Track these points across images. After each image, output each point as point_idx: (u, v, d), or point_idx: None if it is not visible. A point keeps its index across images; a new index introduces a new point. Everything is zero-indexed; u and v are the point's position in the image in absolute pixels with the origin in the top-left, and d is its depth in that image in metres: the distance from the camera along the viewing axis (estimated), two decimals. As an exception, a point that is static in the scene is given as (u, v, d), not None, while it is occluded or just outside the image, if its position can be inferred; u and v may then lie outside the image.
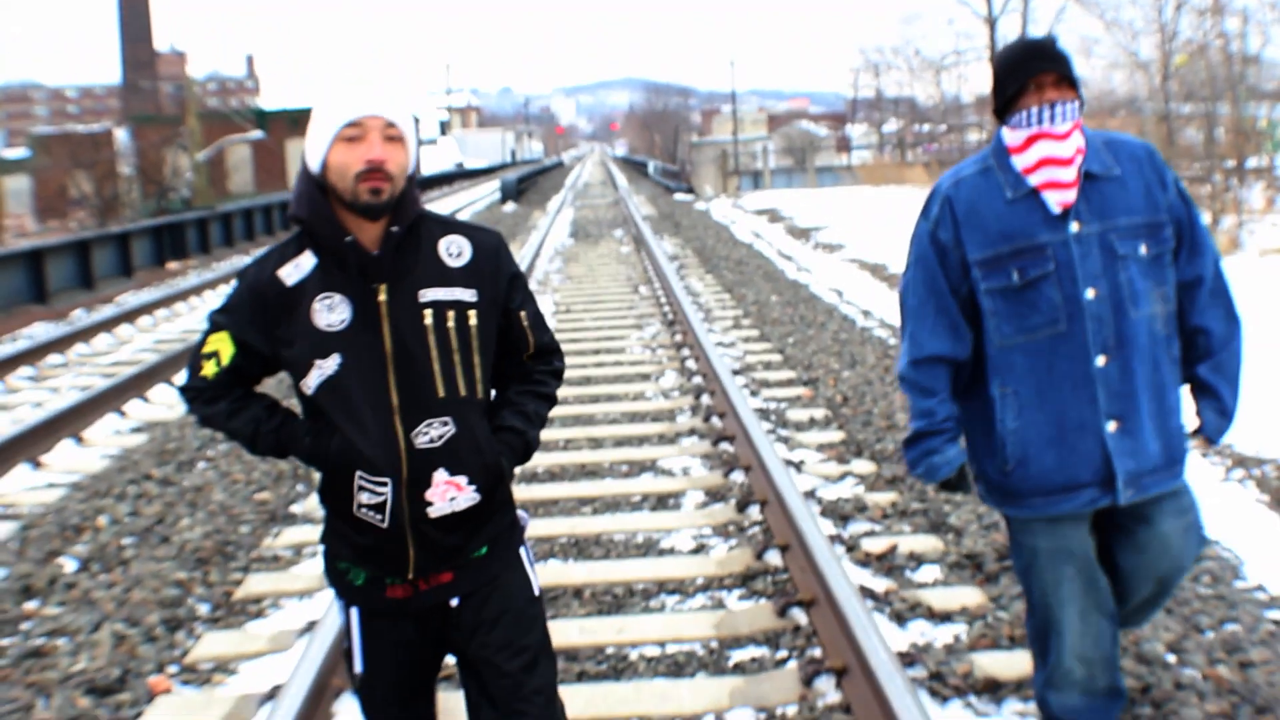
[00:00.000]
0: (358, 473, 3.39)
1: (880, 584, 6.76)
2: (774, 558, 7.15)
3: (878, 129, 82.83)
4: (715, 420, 10.42)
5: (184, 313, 20.20)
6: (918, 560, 7.11)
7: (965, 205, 4.20)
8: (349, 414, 3.37)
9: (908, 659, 5.72)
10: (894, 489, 8.45)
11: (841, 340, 14.09)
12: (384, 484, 3.38)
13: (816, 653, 5.90)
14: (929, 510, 7.88)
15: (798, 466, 8.98)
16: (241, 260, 28.82)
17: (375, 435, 3.36)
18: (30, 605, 7.09)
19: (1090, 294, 4.09)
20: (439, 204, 53.02)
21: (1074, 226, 4.11)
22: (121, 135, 65.79)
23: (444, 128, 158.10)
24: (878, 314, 16.21)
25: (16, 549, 8.05)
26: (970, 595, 6.50)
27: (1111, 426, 4.13)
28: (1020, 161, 4.16)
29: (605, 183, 71.08)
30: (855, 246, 25.31)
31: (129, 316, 18.99)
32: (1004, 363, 4.20)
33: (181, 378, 3.61)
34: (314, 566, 7.52)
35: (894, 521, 7.82)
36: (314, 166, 3.38)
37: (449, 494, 3.41)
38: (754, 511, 8.01)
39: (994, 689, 5.48)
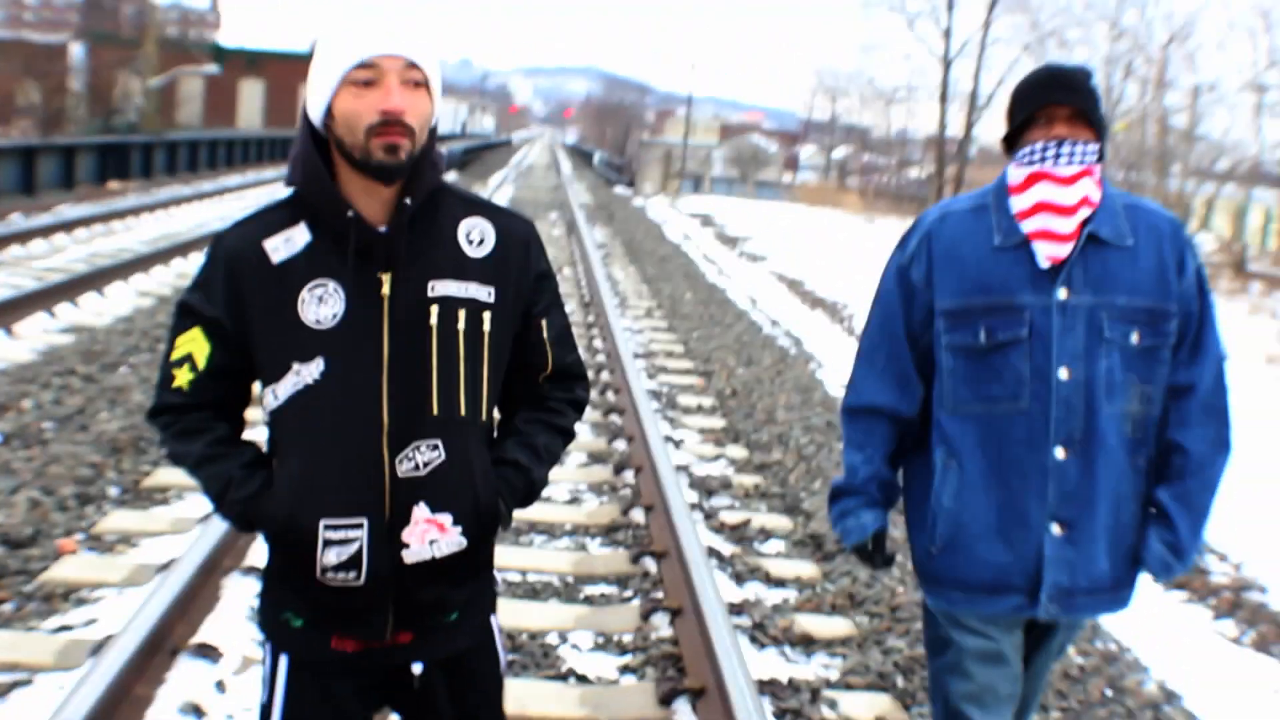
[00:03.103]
0: (323, 521, 2.76)
1: (728, 549, 7.50)
2: (638, 515, 7.87)
3: (827, 153, 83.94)
4: (610, 395, 11.12)
5: (120, 231, 20.64)
6: (767, 535, 7.87)
7: (945, 245, 3.63)
8: (322, 435, 2.77)
9: (736, 609, 6.46)
10: (760, 474, 9.20)
11: (744, 341, 14.86)
12: (358, 527, 2.76)
13: (659, 595, 6.62)
14: (786, 495, 8.65)
15: (677, 444, 9.72)
16: (182, 190, 29.24)
17: (354, 463, 2.77)
18: (-47, 466, 7.70)
19: (1063, 374, 3.51)
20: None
21: (1061, 293, 3.51)
22: (77, 51, 65.55)
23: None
24: (785, 324, 16.99)
25: (-57, 417, 8.65)
26: (806, 568, 7.25)
27: (1055, 530, 3.55)
28: (1017, 203, 3.58)
29: (550, 167, 71.58)
30: (778, 260, 26.09)
31: (66, 227, 19.45)
32: (954, 431, 3.63)
33: (150, 400, 3.00)
34: (219, 468, 8.16)
35: (753, 501, 8.58)
36: (315, 118, 2.80)
37: (429, 535, 2.80)
38: (628, 476, 8.72)
39: (808, 643, 6.23)
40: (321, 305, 2.77)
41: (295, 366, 2.76)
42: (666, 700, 5.42)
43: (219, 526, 6.41)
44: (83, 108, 56.96)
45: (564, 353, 3.05)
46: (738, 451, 9.79)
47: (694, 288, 19.68)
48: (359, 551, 2.77)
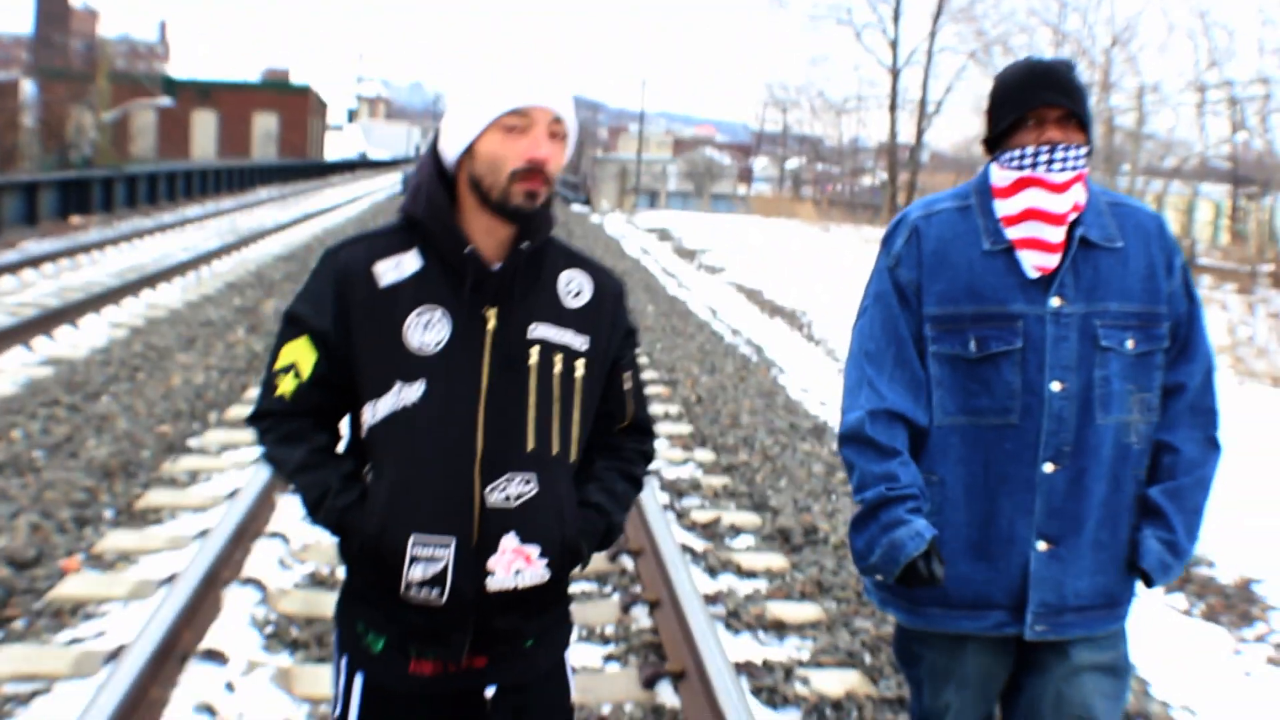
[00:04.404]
0: (413, 536, 2.85)
1: (700, 545, 7.88)
2: (613, 517, 8.22)
3: (780, 164, 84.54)
4: (580, 405, 11.50)
5: (86, 265, 20.87)
6: (737, 530, 8.25)
7: (935, 245, 3.44)
8: (416, 454, 2.86)
9: (711, 599, 6.83)
10: (728, 475, 9.59)
11: (706, 351, 15.26)
12: (445, 546, 2.85)
13: (637, 590, 6.97)
14: (754, 494, 9.04)
15: (647, 450, 10.09)
16: (143, 222, 29.45)
17: (445, 485, 2.86)
18: (-47, 495, 8.01)
19: (1056, 387, 3.34)
20: (339, 190, 53.65)
21: (1055, 302, 3.35)
22: (28, 87, 65.55)
23: (352, 115, 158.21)
24: (745, 333, 17.39)
25: (-63, 450, 8.94)
26: (775, 560, 7.63)
27: (1041, 546, 3.38)
28: (1003, 208, 3.41)
29: (506, 187, 72.10)
30: (736, 271, 26.53)
31: (33, 263, 19.65)
32: (937, 444, 3.44)
33: (252, 404, 3.05)
34: (209, 489, 8.48)
35: (722, 500, 8.97)
36: (450, 155, 2.93)
37: (515, 565, 2.88)
38: (602, 481, 9.07)
39: (780, 628, 6.59)
40: (427, 331, 2.87)
41: (397, 386, 2.86)
42: (649, 683, 5.77)
43: (216, 542, 6.74)
44: (36, 144, 56.95)
45: (639, 407, 3.16)
46: (705, 455, 10.16)
47: (655, 300, 20.07)
48: (444, 570, 2.84)
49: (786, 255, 30.84)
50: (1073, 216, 3.37)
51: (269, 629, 6.19)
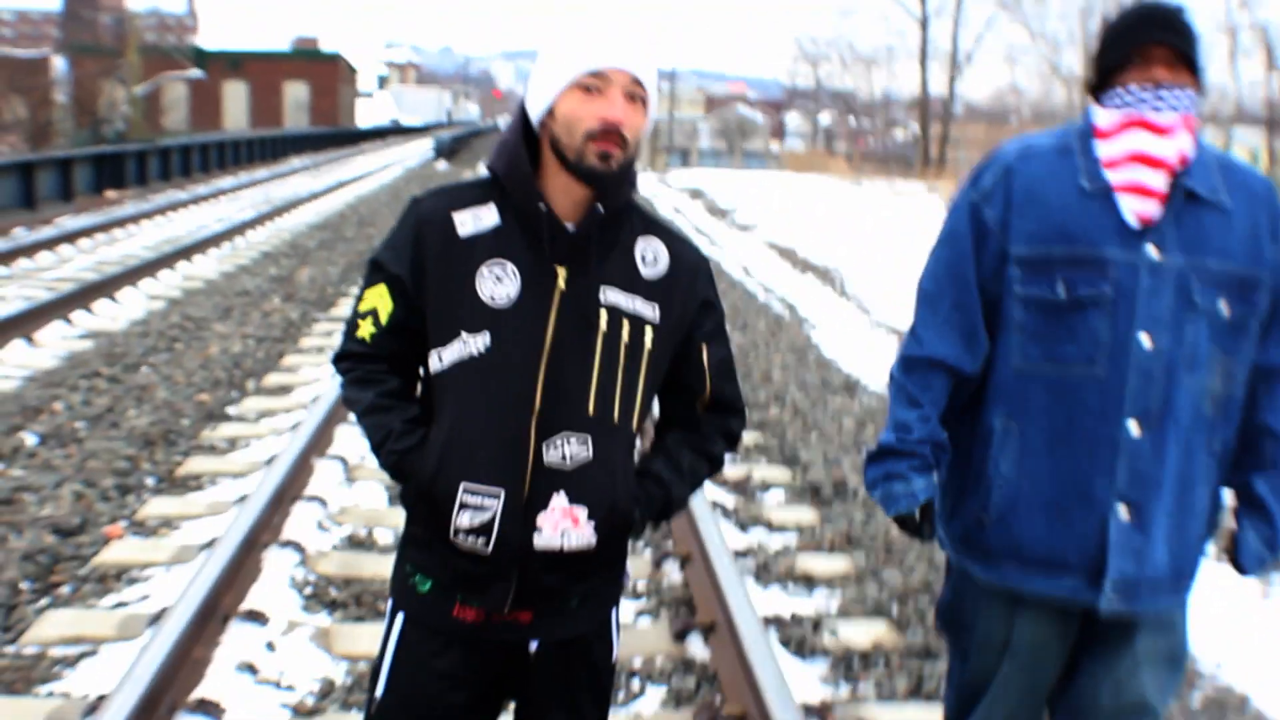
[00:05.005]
0: (463, 484, 2.89)
1: (731, 501, 7.99)
2: (645, 475, 8.34)
3: (813, 119, 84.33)
4: (612, 366, 11.61)
5: (122, 238, 21.03)
6: (767, 486, 8.37)
7: (1027, 184, 3.28)
8: (475, 404, 2.90)
9: (741, 554, 6.94)
10: (758, 431, 9.70)
11: (738, 309, 15.34)
12: (494, 496, 2.88)
13: (668, 546, 7.09)
14: (784, 449, 9.14)
15: (678, 408, 10.21)
16: (178, 195, 29.63)
17: (500, 437, 2.89)
18: (-2, 467, 8.18)
19: (1146, 341, 3.17)
20: (371, 157, 53.75)
21: (1152, 251, 3.18)
22: (59, 64, 65.88)
23: (382, 82, 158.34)
24: (779, 291, 17.45)
25: (-19, 423, 9.12)
26: (805, 514, 7.74)
27: (1123, 512, 3.21)
28: (1105, 150, 3.24)
29: (538, 150, 72.04)
30: (769, 229, 26.54)
31: (70, 238, 19.81)
32: (1017, 392, 3.29)
33: (336, 346, 3.12)
34: (248, 455, 8.63)
35: (752, 455, 9.08)
36: (535, 114, 2.96)
37: (562, 525, 2.90)
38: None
39: (809, 580, 6.70)
40: (499, 284, 2.89)
41: (464, 335, 2.89)
42: (680, 636, 5.90)
43: (255, 506, 6.87)
44: (69, 120, 57.28)
45: (723, 383, 3.10)
46: (736, 412, 10.26)
47: (687, 260, 20.09)
48: (491, 519, 2.87)
49: (819, 211, 30.82)
50: (1178, 168, 3.19)
51: (308, 590, 6.33)
